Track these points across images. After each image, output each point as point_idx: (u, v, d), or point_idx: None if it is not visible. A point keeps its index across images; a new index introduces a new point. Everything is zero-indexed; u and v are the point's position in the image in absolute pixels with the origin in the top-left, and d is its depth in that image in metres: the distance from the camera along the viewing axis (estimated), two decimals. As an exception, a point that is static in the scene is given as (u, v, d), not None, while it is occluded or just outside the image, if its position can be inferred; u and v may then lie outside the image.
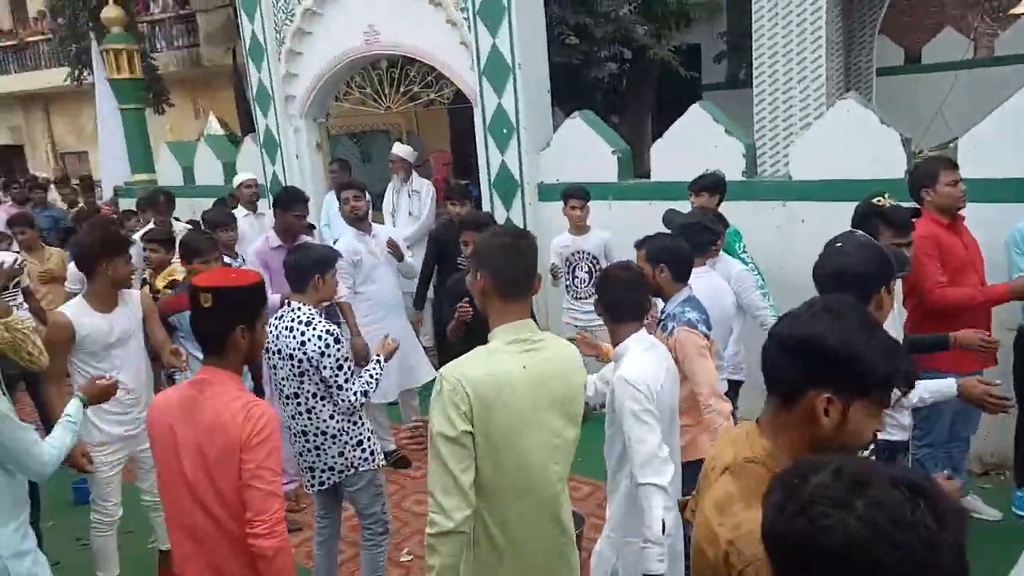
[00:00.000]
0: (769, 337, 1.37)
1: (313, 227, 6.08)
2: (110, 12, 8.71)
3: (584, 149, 5.62)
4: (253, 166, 7.30)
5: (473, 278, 2.01)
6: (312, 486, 3.12)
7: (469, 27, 5.63)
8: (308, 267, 3.06)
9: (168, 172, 8.67)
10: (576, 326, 5.02)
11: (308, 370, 2.94)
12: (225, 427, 1.99)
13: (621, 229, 5.13)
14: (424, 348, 5.42)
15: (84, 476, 3.84)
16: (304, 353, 2.91)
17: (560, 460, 2.04)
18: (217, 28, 13.70)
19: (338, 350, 2.94)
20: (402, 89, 6.48)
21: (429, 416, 1.91)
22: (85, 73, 11.32)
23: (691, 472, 2.79)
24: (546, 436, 1.97)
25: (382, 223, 6.02)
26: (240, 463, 1.98)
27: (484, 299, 1.99)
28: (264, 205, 6.50)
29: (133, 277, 3.54)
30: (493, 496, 1.93)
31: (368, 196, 4.88)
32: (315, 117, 7.07)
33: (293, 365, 2.94)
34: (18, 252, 5.00)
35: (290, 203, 4.62)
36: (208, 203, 7.42)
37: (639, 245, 3.06)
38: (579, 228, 5.04)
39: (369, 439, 3.13)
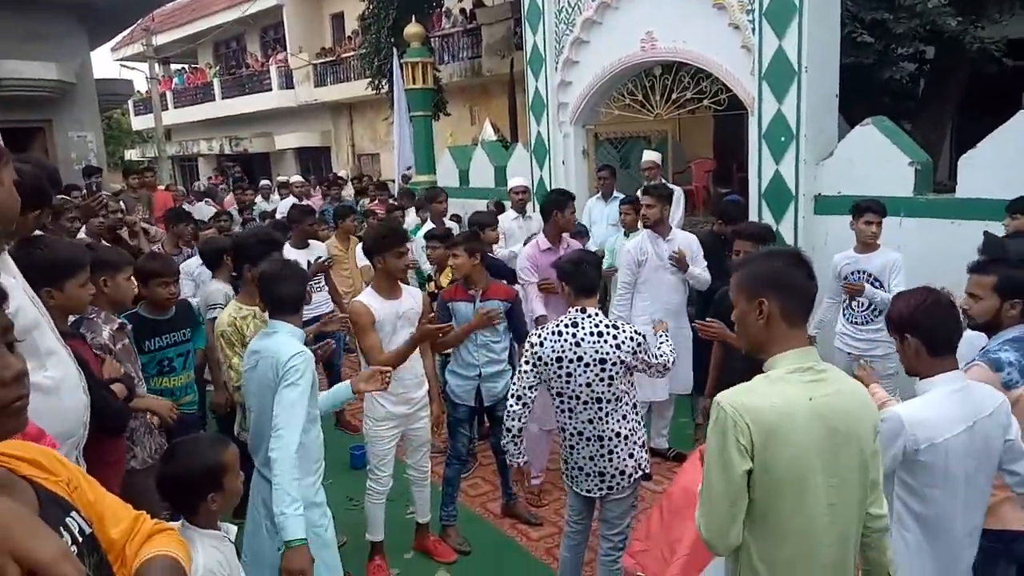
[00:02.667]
0: None
1: (584, 229, 6.17)
2: (412, 29, 9.69)
3: (874, 159, 5.08)
4: (523, 171, 7.66)
5: (747, 302, 1.85)
6: (599, 491, 3.12)
7: (753, 29, 5.36)
8: (599, 277, 3.20)
9: (447, 174, 9.43)
10: (849, 353, 4.55)
11: (619, 372, 2.98)
12: None
13: (913, 250, 4.57)
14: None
15: (361, 444, 4.31)
16: (619, 356, 2.96)
17: (847, 506, 1.82)
18: (498, 40, 14.65)
19: (645, 349, 3.04)
20: (673, 96, 6.38)
21: (705, 442, 1.81)
22: (383, 84, 12.73)
23: (994, 540, 2.39)
24: (831, 478, 1.77)
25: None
26: None
27: (763, 324, 1.83)
28: (531, 208, 6.79)
29: (409, 270, 3.83)
30: (764, 532, 1.78)
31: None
32: (584, 124, 7.22)
33: (604, 369, 2.98)
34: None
35: (563, 202, 4.74)
36: (480, 204, 7.96)
37: (982, 270, 2.63)
38: (867, 246, 4.54)
39: (644, 444, 3.14)
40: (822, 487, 1.76)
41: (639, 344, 2.99)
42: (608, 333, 2.99)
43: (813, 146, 5.33)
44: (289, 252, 4.81)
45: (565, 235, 4.86)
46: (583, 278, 3.09)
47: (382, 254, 3.57)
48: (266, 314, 2.98)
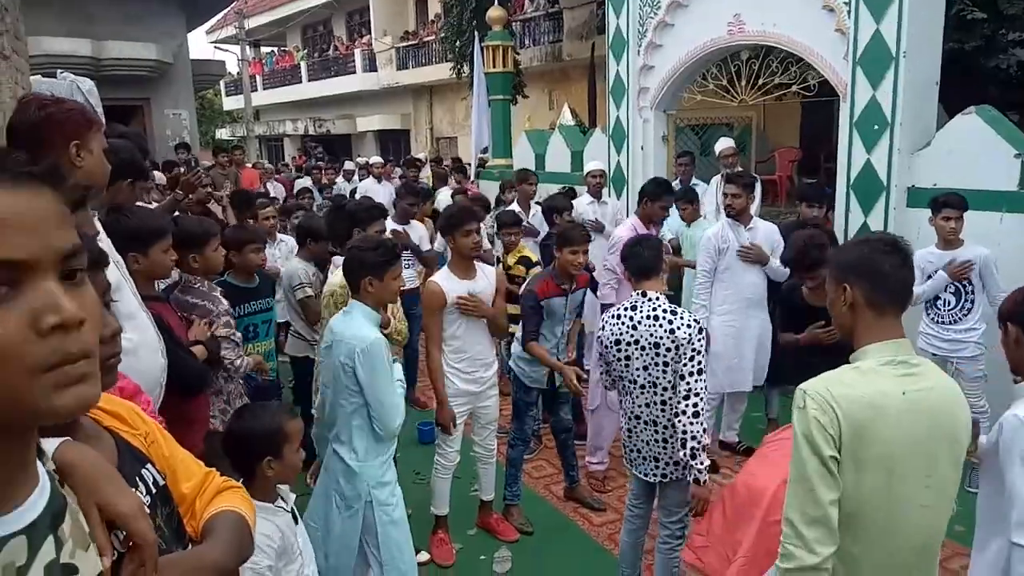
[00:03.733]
0: None
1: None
2: (494, 12, 9.69)
3: (976, 150, 4.78)
4: (600, 156, 7.57)
5: (834, 287, 1.80)
6: (655, 476, 3.09)
7: (849, 12, 5.12)
8: (656, 259, 3.08)
9: (523, 158, 9.41)
10: (934, 354, 4.33)
11: (675, 358, 2.93)
12: None
13: (1014, 247, 4.29)
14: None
15: (429, 420, 4.37)
16: (674, 341, 2.91)
17: (937, 507, 1.73)
18: (580, 24, 14.50)
19: (701, 340, 2.92)
20: (760, 82, 6.17)
21: (794, 431, 1.73)
22: (464, 67, 12.80)
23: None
24: (923, 477, 1.68)
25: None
26: None
27: (848, 311, 1.76)
28: (606, 193, 6.72)
29: (485, 251, 3.84)
30: (848, 536, 1.68)
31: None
32: (665, 109, 7.08)
33: (658, 353, 2.94)
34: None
35: (658, 194, 4.78)
36: (555, 189, 7.92)
37: None
38: (949, 242, 4.31)
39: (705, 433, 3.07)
40: (914, 488, 1.67)
41: (695, 333, 2.89)
42: (664, 318, 2.94)
43: (909, 135, 5.06)
44: (391, 226, 4.94)
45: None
46: (638, 260, 3.06)
47: (452, 234, 3.62)
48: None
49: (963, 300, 4.33)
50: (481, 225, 3.92)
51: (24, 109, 2.02)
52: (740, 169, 6.24)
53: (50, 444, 0.88)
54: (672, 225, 6.31)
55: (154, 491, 1.07)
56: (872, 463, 1.64)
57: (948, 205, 4.26)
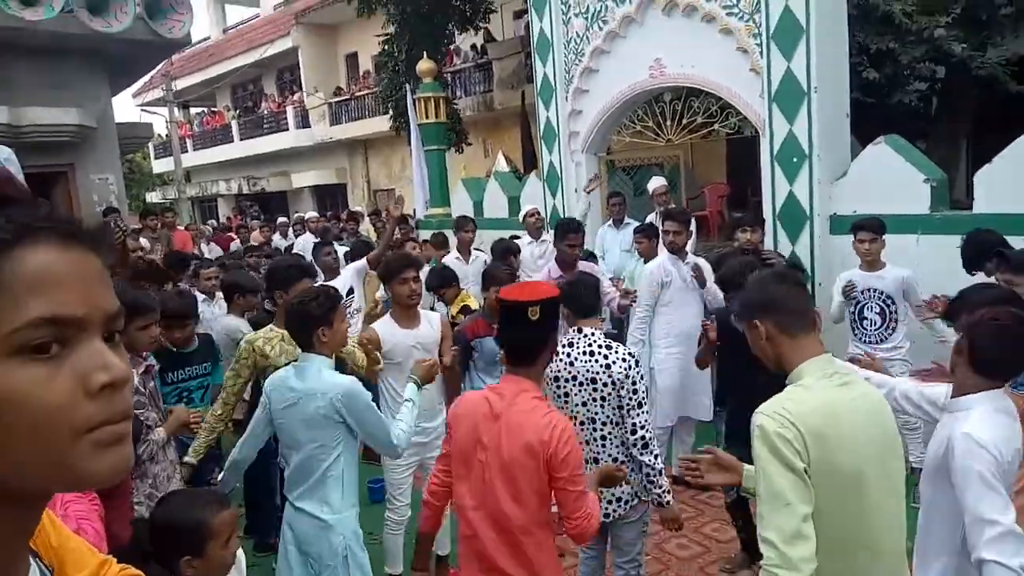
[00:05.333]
0: None
1: (593, 255, 6.20)
2: (424, 65, 9.86)
3: (889, 177, 5.05)
4: (536, 200, 7.70)
5: (748, 328, 1.91)
6: (602, 515, 3.08)
7: (761, 52, 5.39)
8: (596, 297, 3.13)
9: (461, 206, 9.48)
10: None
11: (610, 394, 2.94)
12: (531, 444, 2.12)
13: (929, 268, 4.51)
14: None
15: (380, 477, 4.27)
16: (610, 376, 2.92)
17: (899, 510, 1.79)
18: (509, 73, 14.85)
19: (639, 372, 2.94)
20: (684, 121, 6.40)
21: (755, 464, 1.75)
22: (402, 122, 12.91)
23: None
24: (884, 479, 1.75)
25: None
26: (550, 472, 2.13)
27: (768, 344, 1.86)
28: (546, 233, 6.82)
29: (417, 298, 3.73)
30: (829, 551, 1.69)
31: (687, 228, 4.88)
32: (596, 152, 7.26)
33: (595, 389, 2.95)
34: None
35: (559, 234, 4.83)
36: (494, 234, 7.99)
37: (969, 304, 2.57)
38: (870, 264, 4.52)
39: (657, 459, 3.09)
40: (882, 488, 1.75)
41: (631, 367, 2.90)
42: (600, 352, 2.95)
43: (827, 166, 5.31)
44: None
45: (581, 263, 4.89)
46: (580, 300, 3.09)
47: (390, 283, 3.62)
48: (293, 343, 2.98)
49: (888, 320, 4.50)
50: (420, 273, 3.89)
51: None
52: (674, 206, 6.45)
53: None
54: (612, 262, 6.43)
55: None
56: (842, 473, 1.69)
57: (863, 228, 4.48)
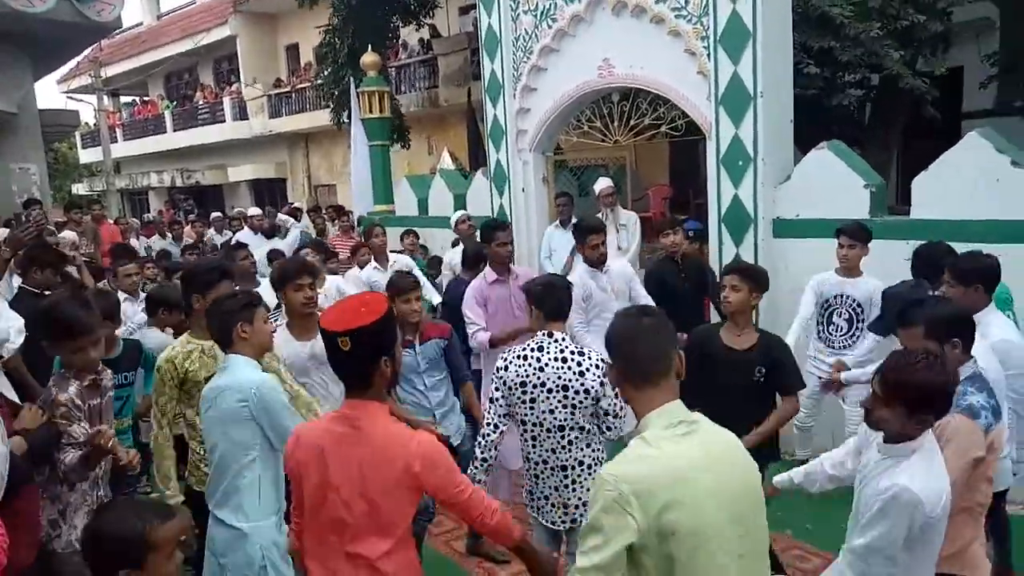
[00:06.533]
0: None
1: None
2: (368, 58, 9.63)
3: (831, 182, 5.14)
4: (482, 199, 7.60)
5: (611, 372, 1.88)
6: (564, 523, 3.00)
7: (709, 55, 5.42)
8: (569, 300, 3.06)
9: (405, 203, 9.31)
10: (820, 378, 4.54)
11: (583, 402, 2.86)
12: (392, 461, 1.94)
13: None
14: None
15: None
16: (583, 384, 2.84)
17: (755, 555, 1.73)
18: (455, 70, 14.70)
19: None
20: (631, 123, 6.41)
21: (586, 518, 1.70)
22: (343, 114, 12.61)
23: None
24: (738, 527, 1.66)
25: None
26: (431, 490, 2.00)
27: (625, 390, 1.80)
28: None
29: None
30: None
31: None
32: (544, 151, 7.21)
33: (567, 396, 2.86)
34: None
35: (488, 233, 4.73)
36: (439, 233, 7.88)
37: (905, 323, 2.63)
38: (848, 270, 4.57)
39: None
40: (731, 539, 1.65)
41: (604, 374, 2.85)
42: (573, 360, 2.88)
43: (771, 170, 5.37)
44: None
45: (513, 266, 4.82)
46: (554, 301, 3.01)
47: (283, 288, 3.43)
48: (215, 348, 2.82)
49: (853, 327, 4.54)
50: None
51: None
52: (618, 208, 6.48)
53: None
54: (559, 263, 6.39)
55: None
56: (687, 526, 1.60)
57: (843, 232, 4.50)
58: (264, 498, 2.63)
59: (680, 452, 1.65)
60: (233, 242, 8.69)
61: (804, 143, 5.74)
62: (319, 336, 3.32)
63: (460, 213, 6.75)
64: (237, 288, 3.17)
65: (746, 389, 3.25)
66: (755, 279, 3.41)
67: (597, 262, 4.63)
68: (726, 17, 5.26)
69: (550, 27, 6.50)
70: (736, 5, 5.18)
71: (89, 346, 2.69)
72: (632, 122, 6.40)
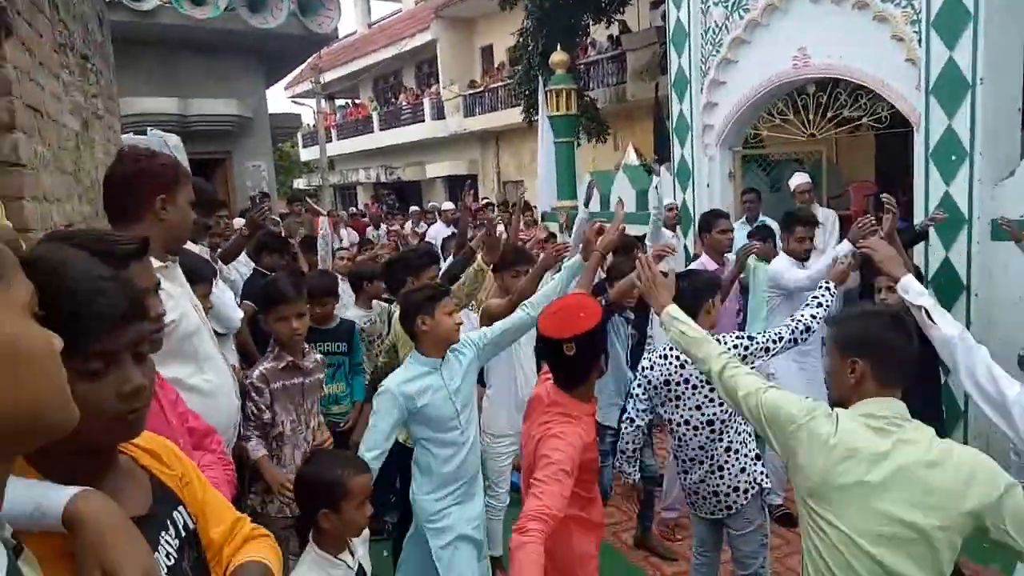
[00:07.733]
0: None
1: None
2: (557, 56, 9.87)
3: (1066, 179, 4.53)
4: (666, 194, 7.52)
5: (840, 359, 1.85)
6: (721, 511, 2.99)
7: (920, 40, 4.98)
8: (702, 291, 3.01)
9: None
10: None
11: None
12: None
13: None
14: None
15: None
16: None
17: None
18: (643, 65, 14.57)
19: (753, 350, 2.85)
20: (828, 114, 6.04)
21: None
22: (534, 113, 13.01)
23: None
24: None
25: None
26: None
27: (854, 384, 1.82)
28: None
29: None
30: None
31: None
32: (731, 146, 7.00)
33: (712, 389, 2.84)
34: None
35: (710, 222, 4.80)
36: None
37: None
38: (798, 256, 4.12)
39: (759, 456, 3.00)
40: None
41: (741, 354, 2.74)
42: None
43: (990, 165, 4.84)
44: None
45: (727, 255, 4.76)
46: (683, 297, 2.98)
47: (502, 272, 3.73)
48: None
49: None
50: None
51: (120, 161, 2.07)
52: (815, 205, 6.11)
53: (67, 492, 0.87)
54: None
55: (183, 534, 1.06)
56: None
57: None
58: (424, 475, 2.80)
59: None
60: (426, 234, 9.33)
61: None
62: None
63: (668, 202, 6.76)
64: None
65: None
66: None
67: (801, 256, 4.45)
68: (941, -1, 4.81)
69: (741, 18, 6.30)
70: (954, -16, 4.73)
71: (292, 316, 2.87)
72: (829, 114, 6.03)
